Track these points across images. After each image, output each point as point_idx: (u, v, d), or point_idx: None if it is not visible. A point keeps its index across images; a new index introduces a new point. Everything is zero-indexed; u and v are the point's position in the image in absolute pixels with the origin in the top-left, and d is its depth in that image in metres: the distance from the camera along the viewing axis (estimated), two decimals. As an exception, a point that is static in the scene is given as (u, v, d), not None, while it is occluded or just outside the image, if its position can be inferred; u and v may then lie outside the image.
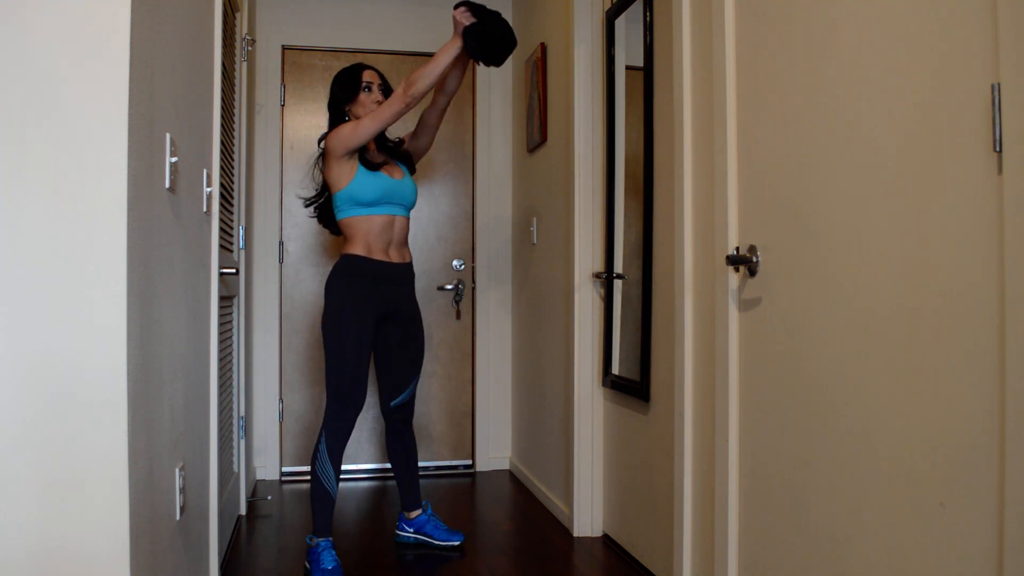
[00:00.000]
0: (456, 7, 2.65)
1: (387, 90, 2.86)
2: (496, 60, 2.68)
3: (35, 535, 1.33)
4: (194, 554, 2.06)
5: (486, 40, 2.62)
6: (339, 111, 2.84)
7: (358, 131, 2.65)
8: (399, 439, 2.97)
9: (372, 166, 2.75)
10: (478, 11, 2.64)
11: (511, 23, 4.23)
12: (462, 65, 2.81)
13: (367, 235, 2.75)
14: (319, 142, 2.85)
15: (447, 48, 2.63)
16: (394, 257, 2.81)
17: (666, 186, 2.45)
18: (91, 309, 1.35)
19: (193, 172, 2.01)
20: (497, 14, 2.67)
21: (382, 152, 2.86)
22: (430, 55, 4.18)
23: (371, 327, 2.73)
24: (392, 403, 2.91)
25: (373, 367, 2.97)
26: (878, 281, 1.48)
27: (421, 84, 2.59)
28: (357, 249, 2.75)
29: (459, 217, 4.26)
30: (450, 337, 4.23)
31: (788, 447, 1.77)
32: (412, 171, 2.95)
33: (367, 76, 2.83)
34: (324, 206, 2.89)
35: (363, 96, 2.80)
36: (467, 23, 2.62)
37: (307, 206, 2.99)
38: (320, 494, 2.68)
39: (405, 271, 2.86)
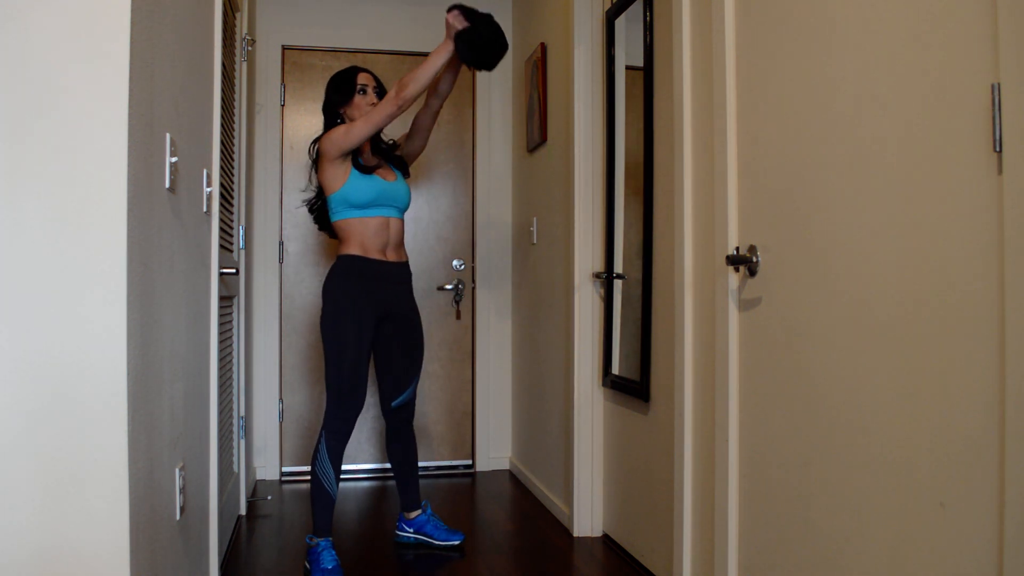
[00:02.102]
0: (449, 10, 2.65)
1: (382, 92, 2.86)
2: (487, 65, 2.68)
3: (35, 535, 1.33)
4: (194, 554, 2.06)
5: (478, 45, 2.62)
6: (333, 113, 2.84)
7: (351, 134, 2.65)
8: (399, 439, 2.96)
9: (365, 169, 2.75)
10: (470, 15, 2.64)
11: (511, 23, 4.24)
12: (454, 68, 2.82)
13: (362, 236, 2.75)
14: (311, 145, 2.85)
15: (439, 51, 2.63)
16: (391, 257, 2.81)
17: (666, 186, 2.45)
18: (91, 309, 1.35)
19: (193, 172, 2.01)
20: (489, 17, 2.66)
21: (376, 155, 2.86)
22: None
23: (370, 327, 2.73)
24: (393, 403, 2.91)
25: (373, 367, 2.97)
26: (878, 281, 1.48)
27: (413, 87, 2.59)
28: (353, 250, 2.75)
29: (459, 217, 4.26)
30: (450, 337, 4.23)
31: (788, 447, 1.77)
32: (406, 174, 2.95)
33: (362, 79, 2.83)
34: (320, 209, 2.89)
35: (358, 98, 2.80)
36: (459, 27, 2.62)
37: (304, 206, 2.99)
38: (320, 494, 2.68)
39: (402, 270, 2.86)
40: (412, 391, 2.94)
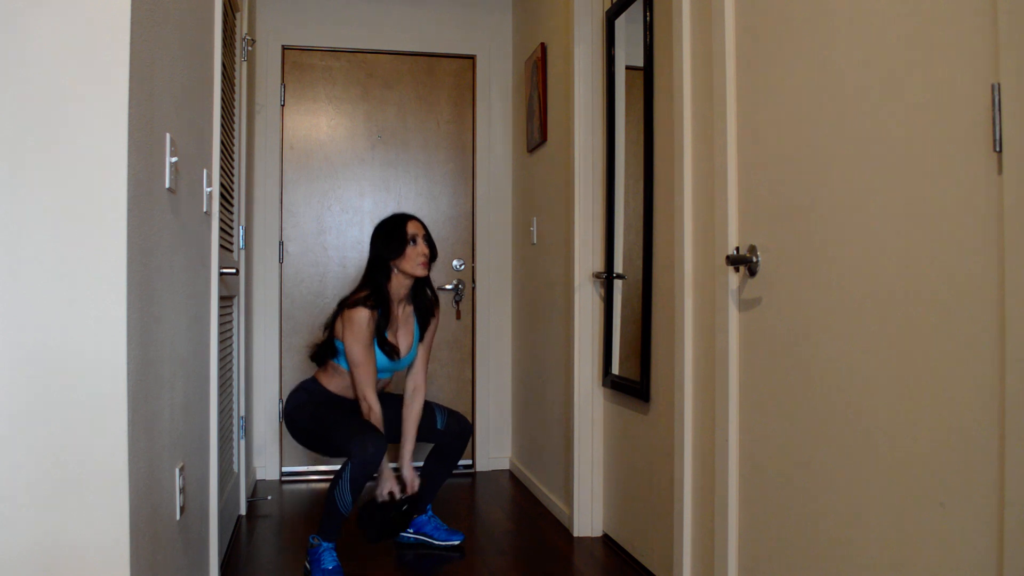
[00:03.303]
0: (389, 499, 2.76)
1: (429, 239, 2.84)
2: (372, 533, 2.78)
3: (35, 535, 1.33)
4: (194, 554, 2.06)
5: (374, 521, 2.75)
6: (384, 265, 2.80)
7: (352, 345, 2.69)
8: (446, 450, 2.98)
9: (383, 344, 2.77)
10: (391, 505, 2.77)
11: (511, 23, 4.24)
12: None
13: (346, 382, 2.82)
14: (342, 306, 2.77)
15: (404, 457, 2.85)
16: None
17: (666, 186, 2.45)
18: (91, 309, 1.35)
19: (193, 172, 2.01)
20: (404, 512, 2.79)
21: (412, 301, 2.88)
22: (430, 55, 4.21)
23: (343, 408, 2.80)
24: (437, 426, 2.94)
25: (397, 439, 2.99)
26: (878, 281, 1.48)
27: (365, 417, 2.72)
28: (333, 387, 2.83)
29: (459, 217, 4.26)
30: (450, 337, 4.23)
31: (788, 447, 1.77)
32: (425, 326, 2.93)
33: (412, 228, 2.81)
34: (324, 346, 2.87)
35: (409, 250, 2.78)
36: (380, 498, 2.75)
37: (311, 347, 2.96)
38: (332, 510, 2.62)
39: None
40: (442, 409, 2.98)
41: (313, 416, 2.77)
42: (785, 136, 1.78)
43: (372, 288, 2.78)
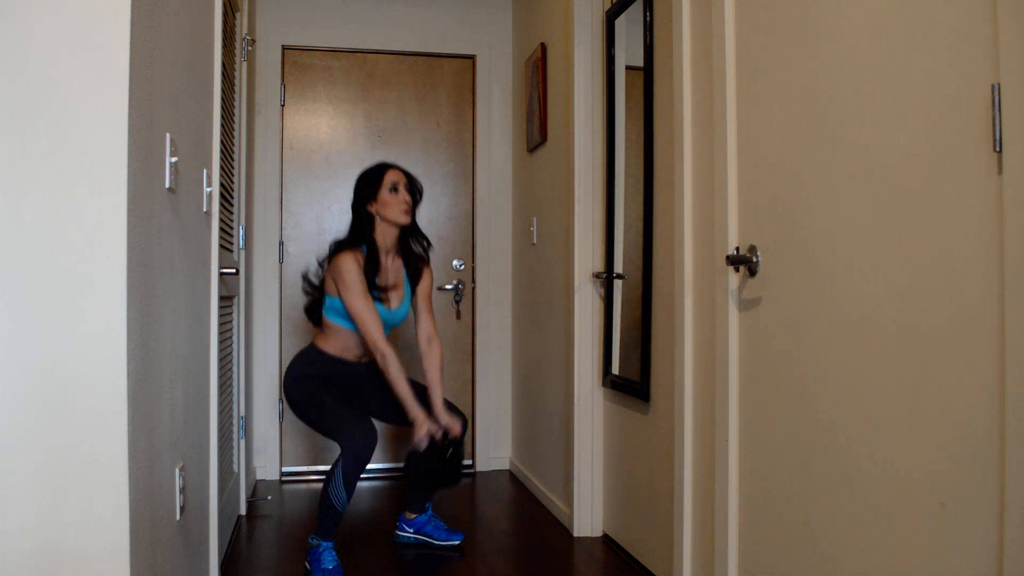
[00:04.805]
0: (424, 431, 2.66)
1: (413, 188, 2.83)
2: (425, 487, 2.76)
3: (35, 535, 1.33)
4: (194, 554, 2.06)
5: (423, 473, 2.69)
6: (363, 212, 2.79)
7: (350, 298, 2.66)
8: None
9: (374, 291, 2.74)
10: (434, 451, 2.68)
11: (511, 23, 4.24)
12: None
13: (345, 342, 2.78)
14: (330, 255, 2.77)
15: (412, 409, 2.66)
16: (364, 360, 2.83)
17: (666, 186, 2.45)
18: (91, 309, 1.35)
19: (193, 172, 2.01)
20: (451, 458, 2.71)
21: (401, 253, 2.85)
22: (430, 55, 4.21)
23: (343, 389, 2.78)
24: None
25: (388, 426, 2.97)
26: (878, 281, 1.48)
27: (385, 372, 2.66)
28: (330, 349, 2.79)
29: (459, 217, 4.26)
30: (450, 337, 4.23)
31: (788, 447, 1.77)
32: (417, 279, 2.90)
33: (392, 176, 2.79)
34: (315, 301, 2.87)
35: (388, 196, 2.75)
36: (420, 447, 2.66)
37: (306, 300, 2.95)
38: (328, 507, 2.63)
39: (372, 368, 2.85)
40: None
41: (310, 395, 2.73)
42: (785, 136, 1.78)
43: (357, 237, 2.78)
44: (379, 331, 2.68)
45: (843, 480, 1.58)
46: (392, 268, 2.84)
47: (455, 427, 2.75)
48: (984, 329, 1.24)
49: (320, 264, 2.87)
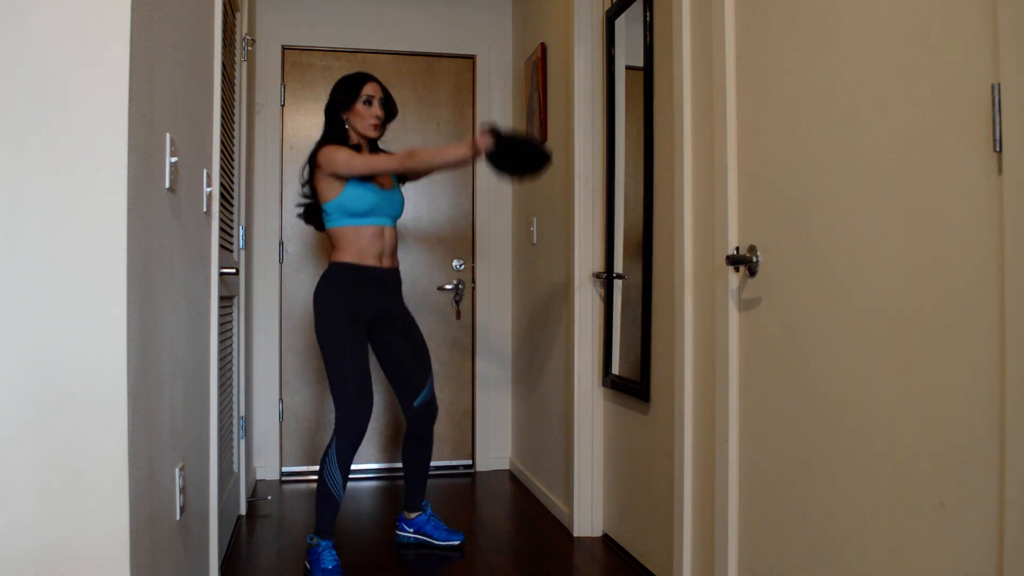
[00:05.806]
0: (483, 131, 2.54)
1: (388, 103, 2.83)
2: (522, 173, 2.62)
3: (35, 535, 1.33)
4: (194, 554, 2.06)
5: (511, 161, 2.57)
6: (335, 117, 2.80)
7: (350, 165, 2.64)
8: (419, 439, 2.95)
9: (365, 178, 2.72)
10: (502, 141, 2.53)
11: (511, 23, 4.24)
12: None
13: (358, 244, 2.72)
14: (312, 154, 2.77)
15: (457, 153, 2.58)
16: (385, 264, 2.79)
17: (666, 186, 2.45)
18: (91, 309, 1.35)
19: (193, 172, 2.01)
20: (523, 139, 2.61)
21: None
22: (430, 55, 4.21)
23: (364, 331, 2.74)
24: (415, 403, 2.89)
25: (384, 376, 2.97)
26: (878, 281, 1.48)
27: (419, 166, 2.63)
28: (347, 257, 2.73)
29: (459, 217, 4.26)
30: (450, 337, 4.23)
31: (788, 447, 1.77)
32: (402, 180, 2.93)
33: (369, 88, 2.78)
34: (313, 211, 2.86)
35: (361, 107, 2.76)
36: (489, 149, 2.52)
37: (300, 214, 2.93)
38: (325, 497, 2.65)
39: (394, 276, 2.85)
40: (430, 388, 2.93)
41: (324, 330, 2.69)
42: (785, 136, 1.78)
43: (331, 139, 2.76)
44: (390, 156, 2.67)
45: (843, 480, 1.58)
46: None
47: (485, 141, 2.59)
48: (984, 330, 1.24)
49: (307, 165, 2.80)
